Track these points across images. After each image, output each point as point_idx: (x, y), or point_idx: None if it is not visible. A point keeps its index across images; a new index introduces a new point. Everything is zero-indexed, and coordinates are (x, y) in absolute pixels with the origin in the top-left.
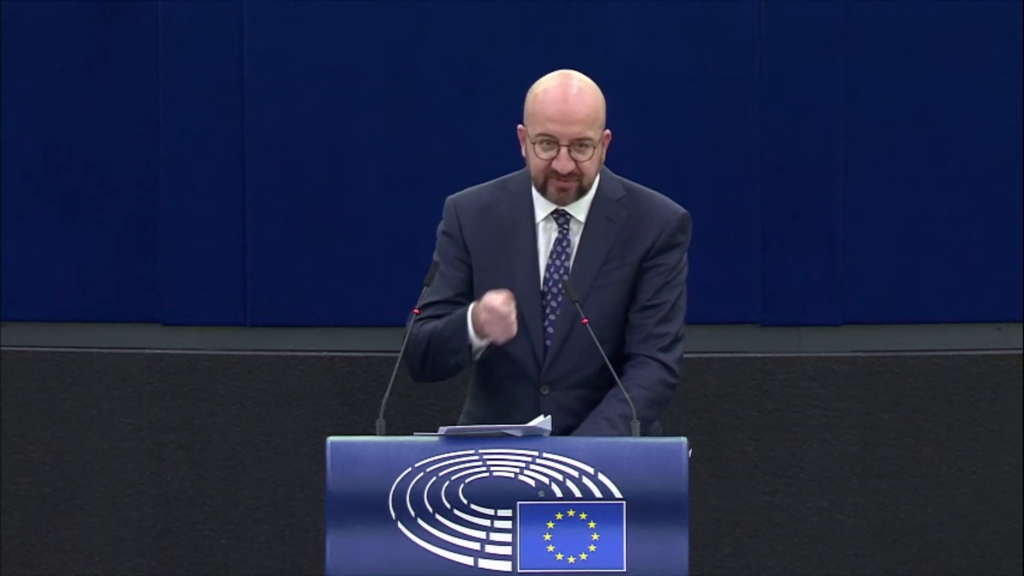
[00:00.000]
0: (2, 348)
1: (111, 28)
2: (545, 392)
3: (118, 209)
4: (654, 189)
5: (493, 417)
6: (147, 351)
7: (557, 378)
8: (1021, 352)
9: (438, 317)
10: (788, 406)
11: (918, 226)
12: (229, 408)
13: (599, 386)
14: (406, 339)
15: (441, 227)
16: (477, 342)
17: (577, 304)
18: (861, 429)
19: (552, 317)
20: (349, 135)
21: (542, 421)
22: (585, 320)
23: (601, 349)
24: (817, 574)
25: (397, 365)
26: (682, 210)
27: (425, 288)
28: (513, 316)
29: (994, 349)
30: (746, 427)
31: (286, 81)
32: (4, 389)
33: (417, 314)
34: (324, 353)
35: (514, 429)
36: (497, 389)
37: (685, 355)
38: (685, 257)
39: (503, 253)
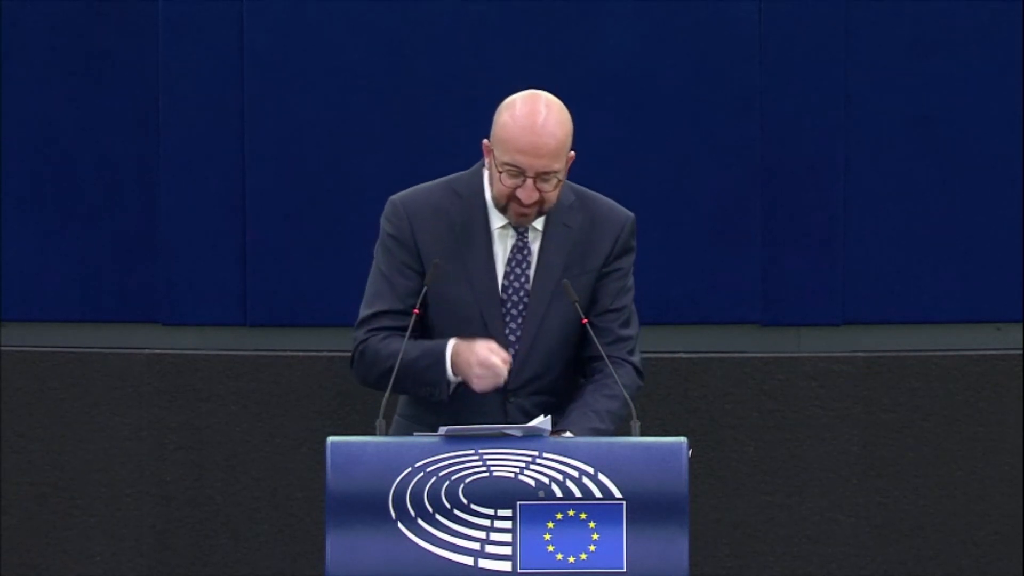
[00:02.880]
0: (2, 348)
1: (111, 28)
2: (511, 400)
3: (118, 209)
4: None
5: (445, 421)
6: (147, 351)
7: (522, 385)
8: (1021, 352)
9: (392, 330)
10: (788, 406)
11: (918, 226)
12: (229, 408)
13: (560, 391)
14: (359, 349)
15: (388, 230)
16: (454, 379)
17: (577, 305)
18: (861, 429)
19: (513, 325)
20: (349, 135)
21: (542, 421)
22: (585, 320)
23: (605, 353)
24: (817, 574)
25: (396, 365)
26: (631, 214)
27: (424, 288)
28: (505, 374)
29: (994, 349)
30: (746, 427)
31: (286, 81)
32: (4, 389)
33: (417, 313)
34: (324, 353)
35: (514, 429)
36: (458, 396)
37: (686, 355)
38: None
39: (459, 260)
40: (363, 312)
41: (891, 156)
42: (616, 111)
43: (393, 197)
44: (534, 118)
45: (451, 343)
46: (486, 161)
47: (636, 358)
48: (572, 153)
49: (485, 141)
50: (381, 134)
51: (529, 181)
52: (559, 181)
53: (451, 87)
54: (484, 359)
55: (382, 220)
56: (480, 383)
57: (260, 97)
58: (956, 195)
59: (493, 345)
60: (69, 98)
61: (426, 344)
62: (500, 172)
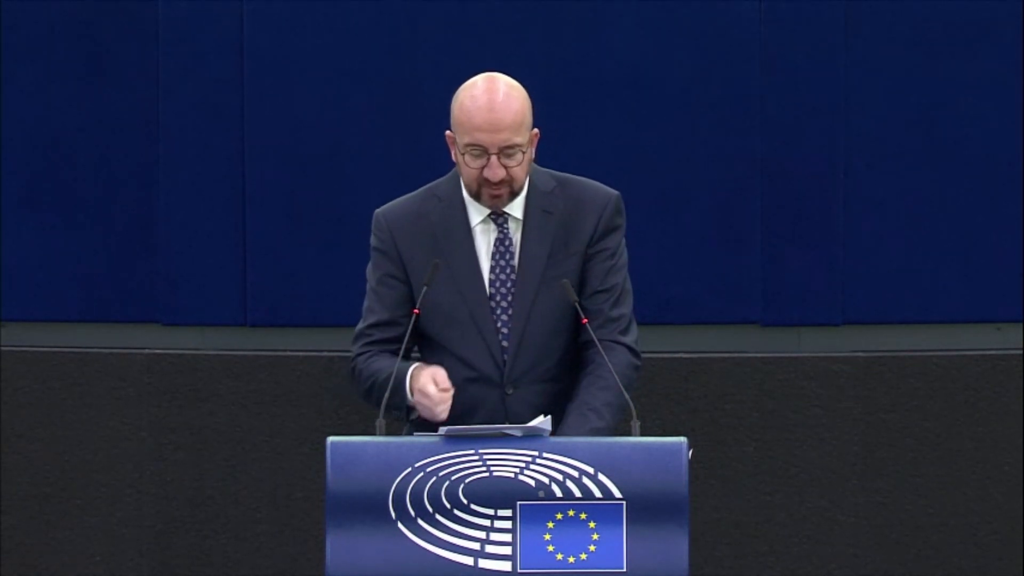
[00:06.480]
0: (2, 348)
1: (111, 28)
2: (510, 392)
3: (118, 209)
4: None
5: (452, 420)
6: (147, 351)
7: (519, 377)
8: (1021, 352)
9: (381, 343)
10: (788, 406)
11: (918, 226)
12: (229, 408)
13: (560, 378)
14: (351, 367)
15: (373, 243)
16: (413, 402)
17: (578, 304)
18: (861, 429)
19: (504, 318)
20: (349, 135)
21: (542, 421)
22: (585, 320)
23: (601, 347)
24: (817, 574)
25: (396, 365)
26: (615, 192)
27: (424, 288)
28: (445, 409)
29: (994, 349)
30: (746, 427)
31: (286, 81)
32: (4, 389)
33: (417, 314)
34: (324, 353)
35: (514, 429)
36: (459, 393)
37: (686, 355)
38: (624, 240)
39: (442, 261)
40: (357, 327)
41: (891, 156)
42: (616, 111)
43: (376, 210)
44: (489, 95)
45: (411, 368)
46: (452, 153)
47: (630, 337)
48: (536, 131)
49: (448, 132)
50: (381, 134)
51: (493, 158)
52: (524, 156)
53: (451, 87)
54: (421, 387)
55: (370, 236)
56: (421, 409)
57: (260, 97)
58: (956, 195)
59: (439, 374)
60: (69, 98)
61: (397, 367)
62: (463, 155)
